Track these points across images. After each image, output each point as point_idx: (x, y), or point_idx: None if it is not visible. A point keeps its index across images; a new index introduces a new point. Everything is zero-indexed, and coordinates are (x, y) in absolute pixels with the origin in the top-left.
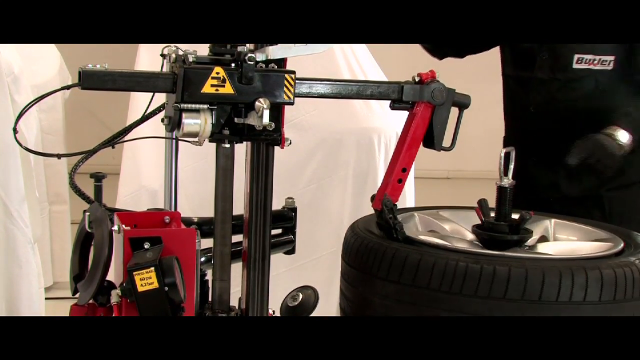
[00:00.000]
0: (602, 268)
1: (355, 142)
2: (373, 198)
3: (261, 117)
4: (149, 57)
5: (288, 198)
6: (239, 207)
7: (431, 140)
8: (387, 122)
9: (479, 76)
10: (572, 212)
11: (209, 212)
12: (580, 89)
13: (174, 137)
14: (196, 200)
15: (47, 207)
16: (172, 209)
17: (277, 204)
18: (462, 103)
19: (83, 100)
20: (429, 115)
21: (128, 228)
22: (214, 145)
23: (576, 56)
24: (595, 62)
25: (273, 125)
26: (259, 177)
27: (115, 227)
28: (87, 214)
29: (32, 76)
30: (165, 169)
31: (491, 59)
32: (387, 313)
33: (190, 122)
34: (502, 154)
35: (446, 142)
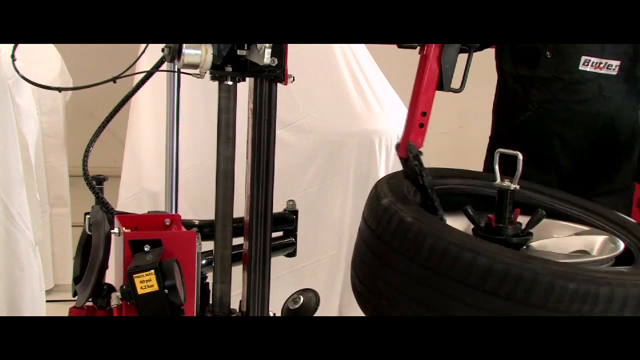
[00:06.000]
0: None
1: (356, 145)
2: (398, 146)
3: (263, 54)
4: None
5: (289, 200)
6: (240, 209)
7: (440, 81)
8: (388, 125)
9: (480, 80)
10: None
11: (209, 214)
12: (583, 92)
13: (175, 69)
14: (197, 203)
15: (48, 210)
16: (173, 212)
17: (278, 206)
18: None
19: (84, 103)
20: (439, 55)
21: (128, 231)
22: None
23: (583, 58)
24: (602, 65)
25: (276, 61)
26: (260, 180)
27: (116, 230)
28: (88, 216)
29: (33, 79)
30: (166, 172)
31: (493, 63)
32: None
33: (190, 52)
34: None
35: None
